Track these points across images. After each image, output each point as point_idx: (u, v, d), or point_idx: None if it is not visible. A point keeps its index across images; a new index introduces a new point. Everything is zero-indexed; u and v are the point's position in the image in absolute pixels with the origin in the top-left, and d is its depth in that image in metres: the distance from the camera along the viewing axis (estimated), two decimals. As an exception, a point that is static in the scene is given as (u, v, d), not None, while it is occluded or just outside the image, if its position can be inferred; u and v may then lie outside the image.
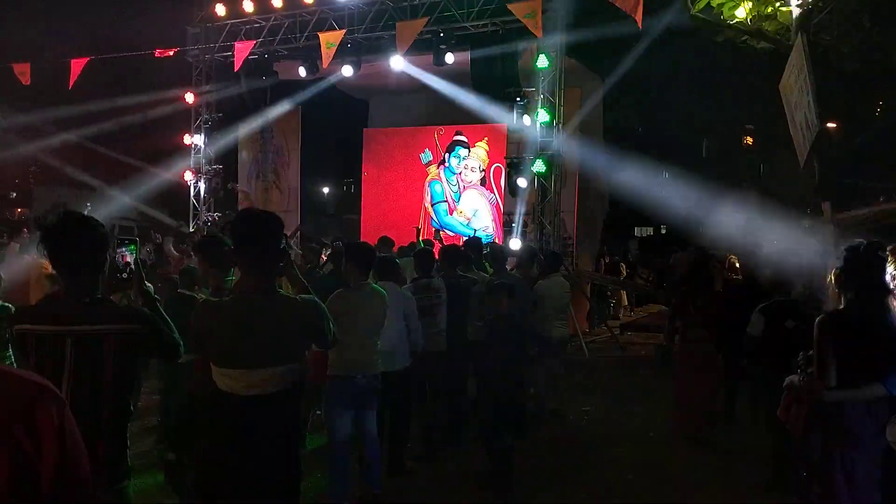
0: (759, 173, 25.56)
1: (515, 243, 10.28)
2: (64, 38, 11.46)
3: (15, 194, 26.93)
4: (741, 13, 4.89)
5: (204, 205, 14.29)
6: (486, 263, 7.42)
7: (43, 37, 12.34)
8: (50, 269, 7.30)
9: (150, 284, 2.88)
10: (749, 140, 26.00)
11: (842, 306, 3.07)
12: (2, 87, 13.46)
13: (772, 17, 5.29)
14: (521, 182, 10.82)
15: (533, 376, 6.79)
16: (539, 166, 10.27)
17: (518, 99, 10.76)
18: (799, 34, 5.77)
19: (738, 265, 8.97)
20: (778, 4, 5.08)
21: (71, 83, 12.56)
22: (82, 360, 2.44)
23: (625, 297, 16.73)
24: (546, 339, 6.80)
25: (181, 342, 2.74)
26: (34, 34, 12.61)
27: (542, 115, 10.23)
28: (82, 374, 2.44)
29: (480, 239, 9.32)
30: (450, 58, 11.06)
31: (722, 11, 5.38)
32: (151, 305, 2.76)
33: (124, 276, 2.81)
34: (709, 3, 5.03)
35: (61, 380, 2.39)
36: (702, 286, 6.43)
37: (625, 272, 16.88)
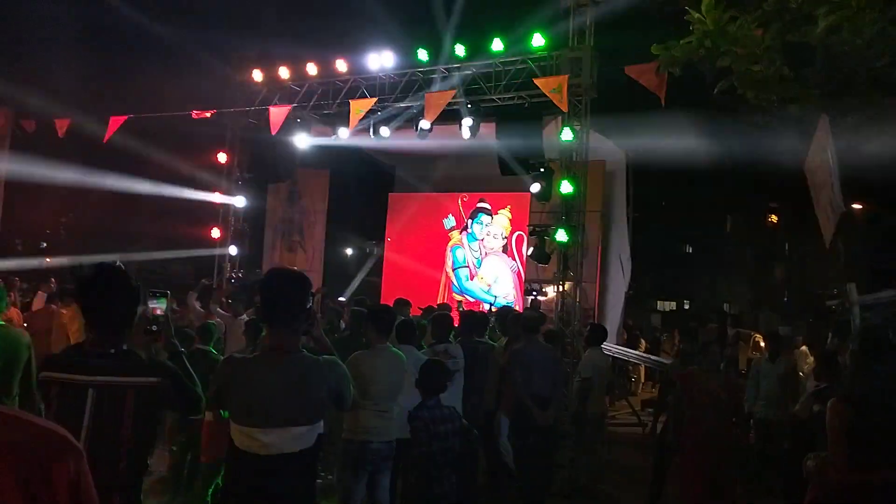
0: (785, 251, 25.40)
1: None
2: (104, 96, 11.88)
3: (45, 244, 27.52)
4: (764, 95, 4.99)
5: (229, 262, 14.47)
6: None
7: (84, 94, 12.80)
8: (70, 318, 7.44)
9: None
10: (774, 218, 25.95)
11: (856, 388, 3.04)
12: (40, 141, 13.92)
13: (795, 99, 5.38)
14: (544, 251, 10.83)
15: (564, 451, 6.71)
16: (561, 236, 10.31)
17: (542, 170, 10.91)
18: (823, 115, 5.84)
19: (762, 344, 8.84)
20: (802, 88, 5.18)
21: (106, 138, 12.98)
22: (102, 412, 2.45)
23: (643, 372, 16.45)
24: (589, 414, 6.71)
25: (203, 397, 2.75)
26: (76, 91, 13.08)
27: (566, 187, 10.33)
28: (101, 425, 2.44)
29: (510, 308, 9.29)
30: (475, 128, 11.30)
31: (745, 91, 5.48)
32: (177, 359, 2.79)
33: (153, 328, 2.86)
34: (732, 85, 5.14)
35: (80, 429, 2.39)
36: (717, 367, 5.61)
37: (644, 347, 16.63)
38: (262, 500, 2.61)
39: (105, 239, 20.59)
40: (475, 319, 6.56)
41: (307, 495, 2.79)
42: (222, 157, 14.23)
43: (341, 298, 14.20)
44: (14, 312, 8.58)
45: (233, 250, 14.39)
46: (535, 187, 10.73)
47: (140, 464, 2.57)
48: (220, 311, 8.81)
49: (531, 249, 11.22)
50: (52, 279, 11.71)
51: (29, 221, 17.54)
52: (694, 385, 5.31)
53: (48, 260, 25.05)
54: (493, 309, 11.28)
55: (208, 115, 13.08)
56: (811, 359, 10.71)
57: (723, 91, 5.65)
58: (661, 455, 6.05)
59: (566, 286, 10.57)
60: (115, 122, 12.92)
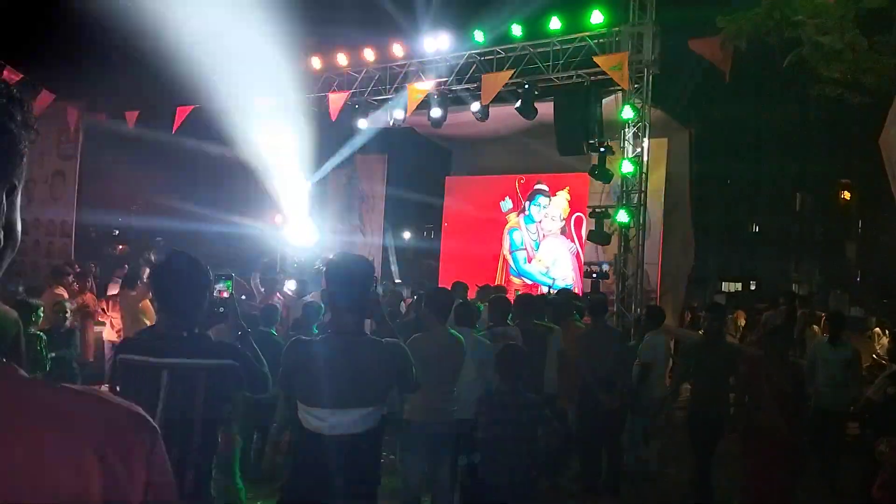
0: (858, 229, 24.34)
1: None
2: (171, 87, 12.25)
3: (118, 231, 28.70)
4: (835, 68, 4.75)
5: (291, 246, 14.78)
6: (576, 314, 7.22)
7: (152, 85, 13.22)
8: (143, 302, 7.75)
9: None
10: (846, 195, 24.85)
11: None
12: (110, 133, 14.47)
13: (870, 70, 5.11)
14: (604, 232, 10.66)
15: (633, 435, 6.65)
16: (623, 217, 10.13)
17: (602, 149, 10.72)
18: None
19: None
20: (877, 57, 4.91)
21: (175, 128, 13.39)
22: (176, 392, 2.56)
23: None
24: (652, 398, 6.64)
25: (269, 376, 2.85)
26: (145, 83, 13.51)
27: (627, 166, 10.13)
28: (175, 404, 2.55)
29: (569, 290, 9.22)
30: (534, 109, 11.16)
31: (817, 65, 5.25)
32: (245, 339, 2.88)
33: (220, 310, 2.96)
34: (801, 56, 4.92)
35: (155, 410, 2.50)
36: (782, 354, 5.10)
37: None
38: (330, 479, 2.68)
39: (172, 227, 21.32)
40: (532, 302, 6.53)
41: (372, 475, 2.85)
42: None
43: (398, 281, 14.35)
44: (90, 297, 9.01)
45: (294, 235, 14.70)
46: (596, 168, 10.55)
47: (212, 442, 2.68)
48: (287, 291, 8.95)
49: (590, 231, 11.07)
50: (125, 265, 12.21)
51: (102, 209, 18.28)
52: (758, 372, 4.89)
53: (120, 247, 26.16)
54: (552, 292, 11.21)
55: (269, 102, 13.33)
56: (885, 340, 10.28)
57: (792, 64, 5.42)
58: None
59: (627, 268, 10.40)
60: (182, 112, 13.32)
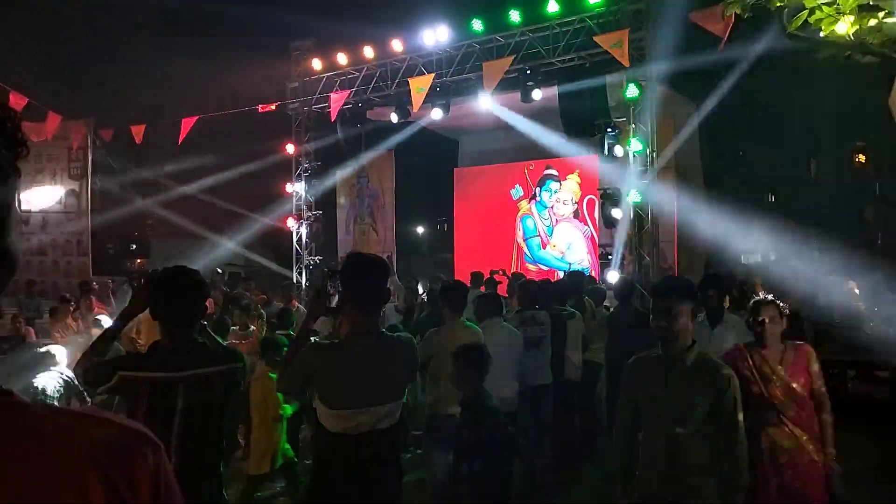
0: (875, 191, 24.00)
1: (613, 276, 10.06)
2: (175, 100, 12.36)
3: (135, 246, 29.00)
4: (842, 28, 4.62)
5: (306, 249, 14.86)
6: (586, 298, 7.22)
7: (157, 99, 13.33)
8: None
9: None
10: (861, 158, 24.48)
11: None
12: (120, 147, 14.60)
13: (876, 29, 4.99)
14: (616, 213, 10.60)
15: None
16: (635, 196, 10.05)
17: (609, 130, 10.63)
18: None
19: (857, 292, 8.40)
20: (882, 15, 4.79)
21: (181, 139, 13.47)
22: (193, 404, 2.56)
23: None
24: None
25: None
26: (151, 98, 13.64)
27: (635, 145, 10.04)
28: (192, 417, 2.56)
29: (582, 273, 9.18)
30: (537, 94, 11.09)
31: (821, 28, 5.13)
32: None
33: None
34: (806, 20, 4.82)
35: (172, 424, 2.50)
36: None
37: (728, 302, 16.05)
38: (356, 477, 2.68)
39: (187, 238, 21.50)
40: (554, 288, 6.52)
41: (395, 469, 2.86)
42: (290, 149, 14.57)
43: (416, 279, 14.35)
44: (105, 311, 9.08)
45: (307, 238, 14.77)
46: (616, 149, 10.43)
47: (221, 451, 2.74)
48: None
49: (603, 213, 11.00)
50: (143, 280, 12.29)
51: (118, 225, 18.46)
52: (746, 367, 3.57)
53: (139, 261, 26.41)
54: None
55: (273, 107, 13.37)
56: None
57: (797, 30, 5.33)
58: None
59: (643, 247, 10.34)
60: (188, 123, 13.39)
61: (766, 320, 3.55)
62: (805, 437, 3.48)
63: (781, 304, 3.65)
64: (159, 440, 0.86)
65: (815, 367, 3.54)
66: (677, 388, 2.86)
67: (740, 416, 2.85)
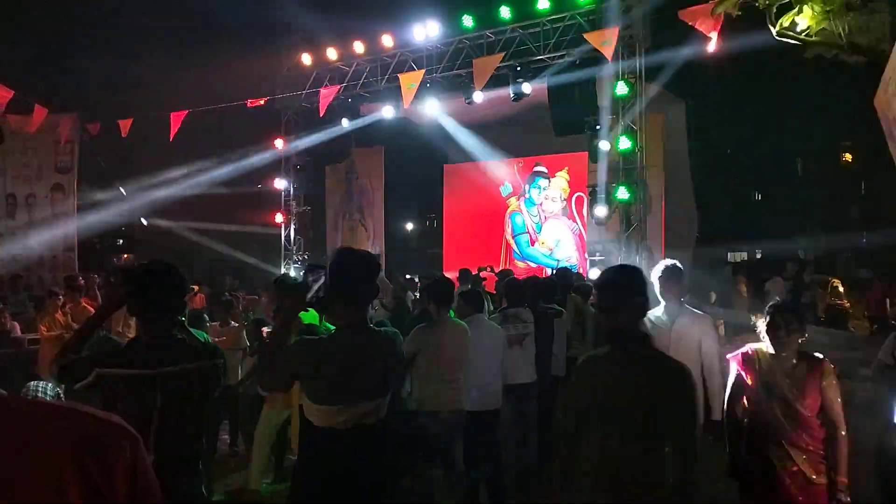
0: (861, 191, 24.23)
1: (597, 273, 10.09)
2: (164, 94, 12.24)
3: (122, 241, 28.79)
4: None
5: (294, 245, 14.81)
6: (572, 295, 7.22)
7: (145, 93, 13.20)
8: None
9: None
10: (848, 157, 24.70)
11: None
12: (105, 143, 14.44)
13: (863, 29, 5.04)
14: (602, 211, 10.59)
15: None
16: (623, 194, 10.08)
17: (598, 126, 10.65)
18: (894, 43, 5.45)
19: (841, 289, 8.45)
20: (869, 15, 4.84)
21: (171, 135, 13.34)
22: (171, 400, 2.54)
23: (722, 328, 15.95)
24: None
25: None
26: (137, 91, 13.51)
27: (624, 142, 10.07)
28: (170, 413, 2.54)
29: (569, 270, 9.19)
30: (527, 89, 11.10)
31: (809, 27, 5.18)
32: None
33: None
34: (794, 20, 4.85)
35: (150, 420, 2.47)
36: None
37: (713, 300, 16.11)
38: (341, 472, 2.68)
39: (177, 236, 21.36)
40: (542, 285, 6.51)
41: (381, 465, 2.86)
42: (279, 144, 14.50)
43: (409, 277, 14.35)
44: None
45: (296, 234, 14.72)
46: (605, 145, 10.40)
47: (200, 446, 2.73)
48: None
49: (592, 210, 11.02)
50: (119, 276, 12.19)
51: (105, 222, 18.31)
52: (752, 372, 3.41)
53: (126, 256, 26.24)
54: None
55: (262, 102, 13.29)
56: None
57: (785, 28, 5.36)
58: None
59: (630, 244, 10.37)
60: (177, 118, 13.27)
61: (783, 330, 3.26)
62: (803, 458, 3.21)
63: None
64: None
65: (831, 386, 3.23)
66: (626, 391, 2.49)
67: (698, 426, 2.57)
